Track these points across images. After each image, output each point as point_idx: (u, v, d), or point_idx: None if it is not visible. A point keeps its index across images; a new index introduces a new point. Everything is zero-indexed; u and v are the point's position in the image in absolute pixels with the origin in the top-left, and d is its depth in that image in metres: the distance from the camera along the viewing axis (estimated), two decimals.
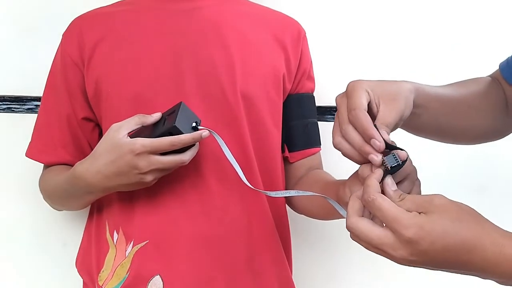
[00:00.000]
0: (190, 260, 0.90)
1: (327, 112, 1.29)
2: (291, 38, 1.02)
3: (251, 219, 0.95)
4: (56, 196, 1.01)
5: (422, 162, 1.34)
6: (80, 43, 0.97)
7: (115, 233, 0.94)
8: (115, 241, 0.94)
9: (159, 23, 0.95)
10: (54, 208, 1.07)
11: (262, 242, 0.95)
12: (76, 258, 1.02)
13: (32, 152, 1.03)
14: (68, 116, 0.99)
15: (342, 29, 1.32)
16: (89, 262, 0.97)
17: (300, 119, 1.04)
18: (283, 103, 1.02)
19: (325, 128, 1.26)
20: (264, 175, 0.98)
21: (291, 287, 1.01)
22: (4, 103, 1.25)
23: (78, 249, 1.04)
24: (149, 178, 0.84)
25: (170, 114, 0.86)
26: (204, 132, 0.83)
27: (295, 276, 1.05)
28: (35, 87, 1.22)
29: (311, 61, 1.08)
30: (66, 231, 1.25)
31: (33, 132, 1.03)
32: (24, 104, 1.24)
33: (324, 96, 1.27)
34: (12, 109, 1.25)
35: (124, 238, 0.93)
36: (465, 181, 1.33)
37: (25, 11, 1.24)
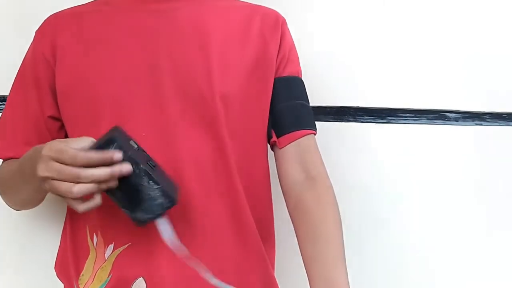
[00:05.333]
0: (173, 262, 0.88)
1: (327, 112, 1.29)
2: (269, 27, 1.01)
3: (231, 219, 0.94)
4: (6, 186, 0.97)
5: (422, 162, 1.35)
6: (53, 41, 0.96)
7: (94, 236, 0.92)
8: (95, 244, 0.92)
9: (135, 24, 0.95)
10: (10, 206, 1.03)
11: (244, 242, 0.94)
12: (55, 262, 1.01)
13: None
14: (35, 113, 0.97)
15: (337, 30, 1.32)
16: (67, 266, 0.96)
17: (284, 102, 1.00)
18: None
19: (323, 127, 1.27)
20: (245, 175, 0.96)
21: (274, 286, 1.00)
22: (4, 103, 1.24)
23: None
24: (45, 185, 0.78)
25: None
26: (116, 154, 0.75)
27: (278, 275, 1.03)
28: None
29: (293, 45, 1.05)
30: (47, 232, 1.23)
31: None
32: None
33: (325, 96, 1.28)
34: None
35: (102, 241, 0.91)
36: (465, 181, 1.32)
37: (25, 11, 1.24)
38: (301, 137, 0.99)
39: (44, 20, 1.01)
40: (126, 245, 0.89)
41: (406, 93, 1.32)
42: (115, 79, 0.92)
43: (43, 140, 0.95)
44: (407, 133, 1.32)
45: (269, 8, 1.05)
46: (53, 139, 0.95)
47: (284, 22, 1.04)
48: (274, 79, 1.00)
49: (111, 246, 0.90)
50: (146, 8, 0.96)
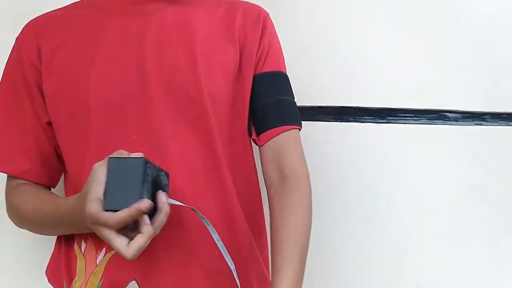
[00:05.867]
0: (166, 264, 0.88)
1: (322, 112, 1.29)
2: (250, 21, 1.00)
3: (224, 219, 0.93)
4: (36, 222, 0.95)
5: (422, 162, 1.35)
6: (38, 46, 0.94)
7: (82, 243, 0.92)
8: (83, 250, 0.92)
9: (121, 26, 0.94)
10: (19, 227, 1.02)
11: (236, 242, 0.93)
12: (47, 267, 1.00)
13: None
14: (32, 122, 0.95)
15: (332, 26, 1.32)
16: (59, 272, 0.96)
17: (264, 98, 0.98)
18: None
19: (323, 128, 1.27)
20: (234, 174, 0.95)
21: (268, 285, 1.00)
22: None
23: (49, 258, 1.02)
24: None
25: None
26: (143, 204, 0.75)
27: None
28: None
29: (274, 39, 1.03)
30: (38, 240, 1.23)
31: None
32: None
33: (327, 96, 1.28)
34: None
35: (93, 246, 0.91)
36: (465, 181, 1.32)
37: (25, 11, 1.24)
38: (279, 133, 0.97)
39: (24, 27, 0.99)
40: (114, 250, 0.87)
41: (406, 93, 1.32)
42: (103, 82, 0.91)
43: (43, 149, 0.96)
44: (407, 133, 1.31)
45: (252, 3, 1.04)
46: (53, 146, 0.97)
47: (266, 16, 1.03)
48: (254, 76, 0.98)
49: (103, 251, 0.89)
50: (131, 10, 0.95)
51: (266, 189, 0.99)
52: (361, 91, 1.30)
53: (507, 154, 1.33)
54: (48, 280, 0.99)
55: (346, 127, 1.29)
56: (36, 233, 1.02)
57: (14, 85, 0.96)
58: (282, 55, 1.04)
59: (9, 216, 1.00)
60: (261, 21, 1.01)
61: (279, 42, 1.04)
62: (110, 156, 0.78)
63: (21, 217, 0.97)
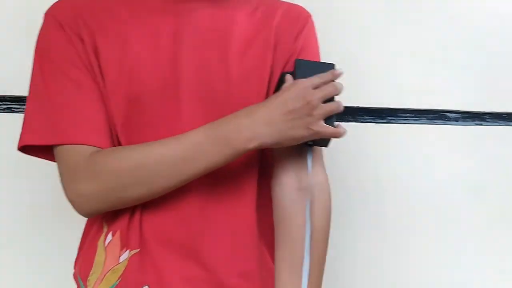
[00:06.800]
0: (180, 271, 0.86)
1: None
2: (289, 22, 0.96)
3: (250, 224, 0.91)
4: (153, 172, 0.84)
5: (422, 162, 1.35)
6: (80, 26, 0.88)
7: (109, 235, 0.89)
8: (106, 243, 0.89)
9: (154, 23, 0.91)
10: (105, 203, 0.87)
11: (250, 252, 0.91)
12: (75, 260, 0.97)
13: (72, 135, 0.86)
14: (97, 94, 0.87)
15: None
16: (80, 264, 0.92)
17: None
18: None
19: None
20: (261, 179, 0.94)
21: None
22: (4, 103, 1.25)
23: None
24: (315, 114, 0.83)
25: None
26: (336, 71, 0.86)
27: None
28: None
29: (310, 41, 0.98)
30: (64, 233, 1.24)
31: (52, 118, 0.87)
32: (24, 104, 1.23)
33: None
34: (12, 109, 1.25)
35: (119, 243, 0.88)
36: (465, 180, 1.32)
37: (25, 11, 1.25)
38: None
39: (58, 3, 0.92)
40: (137, 250, 0.87)
41: (406, 93, 1.32)
42: (136, 79, 0.88)
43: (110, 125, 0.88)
44: (407, 133, 1.32)
45: (294, 4, 1.00)
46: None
47: (307, 17, 0.98)
48: (281, 73, 0.93)
49: (128, 250, 0.87)
50: (166, 7, 0.92)
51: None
52: (361, 91, 1.30)
53: (507, 154, 1.34)
54: (73, 276, 0.94)
55: (346, 127, 1.28)
56: (133, 196, 0.86)
57: (64, 60, 0.88)
58: (318, 58, 0.99)
59: (87, 194, 0.86)
60: (300, 22, 0.96)
61: (316, 45, 1.00)
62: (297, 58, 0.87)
63: (122, 177, 0.84)
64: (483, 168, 1.33)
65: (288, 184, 0.91)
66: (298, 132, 0.83)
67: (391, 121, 1.31)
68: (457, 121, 1.33)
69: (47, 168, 1.26)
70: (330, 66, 0.87)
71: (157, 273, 0.86)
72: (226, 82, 0.90)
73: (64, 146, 0.86)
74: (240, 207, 0.90)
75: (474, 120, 1.33)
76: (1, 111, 1.25)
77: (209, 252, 0.87)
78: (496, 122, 1.34)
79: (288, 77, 0.87)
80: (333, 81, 0.85)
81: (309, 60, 0.88)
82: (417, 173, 1.31)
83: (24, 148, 0.91)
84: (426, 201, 1.31)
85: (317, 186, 0.91)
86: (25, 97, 1.26)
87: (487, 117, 1.34)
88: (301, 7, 0.99)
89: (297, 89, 0.83)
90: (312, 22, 0.98)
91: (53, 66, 0.89)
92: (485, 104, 1.33)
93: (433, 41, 1.33)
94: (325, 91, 0.84)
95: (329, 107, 0.84)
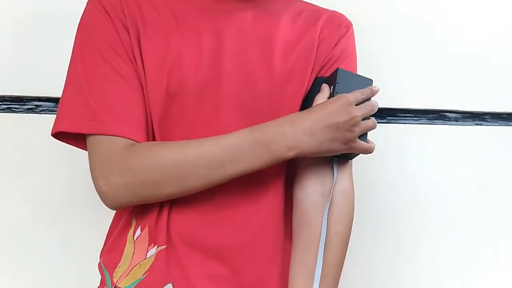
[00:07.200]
0: (204, 270, 0.86)
1: None
2: (331, 28, 0.96)
3: (261, 234, 0.90)
4: (188, 171, 0.82)
5: (422, 162, 1.35)
6: (125, 12, 0.87)
7: (138, 230, 0.88)
8: (135, 238, 0.88)
9: (197, 20, 0.89)
10: (136, 198, 0.85)
11: (274, 255, 0.91)
12: (101, 250, 0.94)
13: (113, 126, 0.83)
14: (138, 86, 0.85)
15: None
16: (108, 256, 0.91)
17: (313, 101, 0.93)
18: None
19: None
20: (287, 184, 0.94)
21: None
22: (4, 103, 1.25)
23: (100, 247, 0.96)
24: (356, 130, 0.84)
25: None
26: (375, 88, 0.88)
27: None
28: (35, 87, 1.23)
29: (349, 49, 0.97)
30: (67, 232, 1.25)
31: (93, 107, 0.84)
32: (24, 104, 1.24)
33: None
34: (12, 109, 1.25)
35: (147, 238, 0.87)
36: (465, 181, 1.32)
37: (25, 12, 1.25)
38: None
39: None
40: (163, 247, 0.86)
41: (406, 93, 1.32)
42: (177, 76, 0.86)
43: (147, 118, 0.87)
44: (407, 133, 1.32)
45: (337, 12, 1.00)
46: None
47: (348, 25, 0.98)
48: (315, 78, 0.93)
49: (155, 246, 0.86)
50: (209, 5, 0.91)
51: None
52: None
53: (507, 154, 1.34)
54: (98, 265, 0.92)
55: None
56: (164, 193, 0.84)
57: (107, 47, 0.86)
58: (355, 68, 0.99)
59: (119, 186, 0.83)
60: (341, 29, 0.96)
61: (355, 55, 0.99)
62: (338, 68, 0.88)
63: (156, 173, 0.82)
64: (483, 168, 1.33)
65: (311, 188, 0.90)
66: (336, 145, 0.84)
67: (391, 121, 1.31)
68: (457, 121, 1.33)
69: (47, 168, 1.27)
70: (369, 82, 0.88)
71: (181, 271, 0.86)
72: (267, 86, 0.88)
73: (100, 136, 0.84)
74: (267, 210, 0.90)
75: (474, 120, 1.33)
76: (1, 111, 1.25)
77: (233, 253, 0.87)
78: (496, 122, 1.34)
79: (325, 86, 0.88)
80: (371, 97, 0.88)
81: (350, 72, 0.88)
82: (417, 173, 1.31)
83: (58, 134, 0.87)
84: (426, 201, 1.31)
85: (340, 192, 0.91)
86: (25, 97, 1.27)
87: (487, 117, 1.34)
88: (343, 15, 1.00)
89: (342, 104, 0.83)
90: (352, 31, 0.99)
91: (94, 51, 0.86)
92: (485, 104, 1.33)
93: (433, 41, 1.33)
94: (366, 110, 0.85)
95: (367, 125, 0.86)
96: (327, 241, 0.88)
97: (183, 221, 0.87)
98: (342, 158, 0.89)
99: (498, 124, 1.34)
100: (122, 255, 0.88)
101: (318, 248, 0.88)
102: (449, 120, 1.32)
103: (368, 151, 0.87)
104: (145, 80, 0.85)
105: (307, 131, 0.82)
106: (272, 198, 0.90)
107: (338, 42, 0.95)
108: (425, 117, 1.32)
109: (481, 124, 1.33)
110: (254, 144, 0.82)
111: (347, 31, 0.97)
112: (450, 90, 1.33)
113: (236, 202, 0.88)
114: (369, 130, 0.87)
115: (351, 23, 0.99)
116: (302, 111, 0.85)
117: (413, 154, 1.32)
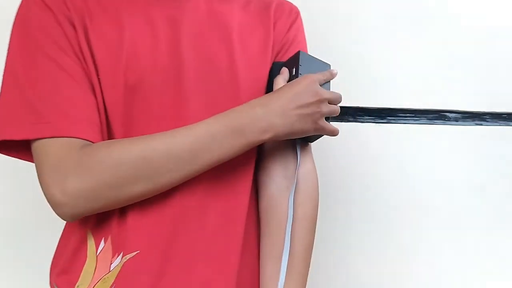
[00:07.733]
0: (186, 275, 0.81)
1: None
2: (281, 14, 0.97)
3: (253, 218, 0.90)
4: (159, 165, 0.77)
5: (422, 162, 1.35)
6: (68, 5, 0.81)
7: (102, 242, 0.81)
8: (98, 251, 0.81)
9: (150, 9, 0.85)
10: (107, 201, 0.78)
11: (251, 250, 0.89)
12: (50, 267, 0.88)
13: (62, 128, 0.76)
14: (86, 82, 0.80)
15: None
16: (61, 276, 0.83)
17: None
18: None
19: None
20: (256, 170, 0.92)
21: None
22: None
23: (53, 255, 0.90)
24: (324, 109, 0.84)
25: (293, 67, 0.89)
26: (333, 71, 0.89)
27: None
28: None
29: (299, 34, 0.99)
30: (42, 234, 1.22)
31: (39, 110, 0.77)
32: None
33: None
34: None
35: (111, 248, 0.80)
36: (465, 180, 1.32)
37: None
38: None
39: None
40: (134, 253, 0.79)
41: (406, 93, 1.32)
42: (135, 68, 0.82)
43: (101, 117, 0.81)
44: (407, 133, 1.32)
45: (285, 1, 1.00)
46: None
47: (297, 12, 1.00)
48: (273, 63, 0.93)
49: (120, 255, 0.79)
50: None
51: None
52: (361, 91, 1.30)
53: (507, 154, 1.34)
54: (50, 283, 0.87)
55: (346, 127, 1.29)
56: (134, 193, 0.77)
57: (49, 44, 0.80)
58: (306, 51, 0.99)
59: (76, 192, 0.75)
60: (291, 15, 0.98)
61: (305, 40, 1.01)
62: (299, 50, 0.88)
63: (122, 171, 0.76)
64: (483, 168, 1.33)
65: (275, 171, 0.89)
66: (307, 125, 0.83)
67: (391, 121, 1.31)
68: (457, 121, 1.33)
69: None
70: (327, 66, 0.91)
71: (152, 277, 0.80)
72: (230, 70, 0.87)
73: (49, 139, 0.76)
74: (236, 199, 0.87)
75: (474, 120, 1.33)
76: None
77: (206, 251, 0.83)
78: (496, 122, 1.34)
79: (284, 69, 0.90)
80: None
81: (310, 55, 0.90)
82: (417, 173, 1.31)
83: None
84: (426, 201, 1.31)
85: (304, 175, 0.90)
86: None
87: (487, 117, 1.34)
88: (290, 3, 1.01)
89: (309, 83, 0.84)
90: (301, 18, 1.00)
91: (36, 49, 0.79)
92: (485, 104, 1.33)
93: (433, 41, 1.33)
94: (333, 95, 0.87)
95: (334, 108, 0.87)
96: (295, 224, 0.86)
97: (148, 223, 0.81)
98: (304, 141, 0.90)
99: (498, 124, 1.34)
100: (80, 273, 0.80)
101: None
102: (449, 120, 1.32)
103: (334, 132, 0.88)
104: (98, 76, 0.79)
105: (279, 112, 0.81)
106: (243, 187, 0.87)
107: (290, 27, 0.97)
108: (425, 117, 1.32)
109: (481, 124, 1.33)
110: (227, 130, 0.79)
111: (296, 17, 0.99)
112: (450, 90, 1.33)
113: (207, 195, 0.83)
114: (334, 114, 0.87)
115: (298, 10, 1.01)
116: (269, 93, 0.84)
117: (413, 154, 1.32)
